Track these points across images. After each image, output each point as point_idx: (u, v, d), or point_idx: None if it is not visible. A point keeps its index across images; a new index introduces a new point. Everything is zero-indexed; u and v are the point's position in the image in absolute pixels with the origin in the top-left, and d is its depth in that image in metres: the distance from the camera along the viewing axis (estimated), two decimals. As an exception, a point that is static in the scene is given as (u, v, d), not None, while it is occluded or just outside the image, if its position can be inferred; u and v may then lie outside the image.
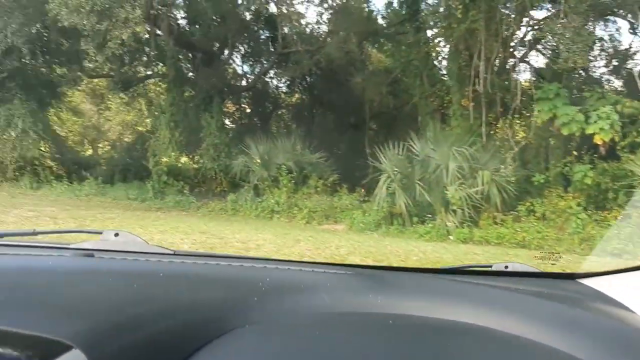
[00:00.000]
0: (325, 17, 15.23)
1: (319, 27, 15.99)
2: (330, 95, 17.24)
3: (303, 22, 15.78)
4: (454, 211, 7.50)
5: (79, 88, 19.34)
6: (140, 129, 22.34)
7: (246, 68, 18.07)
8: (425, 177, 8.44)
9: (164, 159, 13.30)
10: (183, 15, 13.42)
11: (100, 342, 0.63)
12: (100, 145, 24.27)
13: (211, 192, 13.27)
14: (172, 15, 12.45)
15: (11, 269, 0.98)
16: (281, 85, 18.93)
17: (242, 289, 0.95)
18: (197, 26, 13.47)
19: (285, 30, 14.44)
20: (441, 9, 10.50)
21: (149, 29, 9.03)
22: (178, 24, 13.12)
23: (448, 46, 11.79)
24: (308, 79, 17.20)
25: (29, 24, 10.74)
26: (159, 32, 12.68)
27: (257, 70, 17.67)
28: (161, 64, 14.83)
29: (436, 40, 13.00)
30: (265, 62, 17.18)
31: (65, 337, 0.60)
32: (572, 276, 1.31)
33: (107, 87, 19.56)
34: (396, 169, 8.82)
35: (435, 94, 12.31)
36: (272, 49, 15.97)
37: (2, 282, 0.87)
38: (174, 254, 1.30)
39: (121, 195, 12.36)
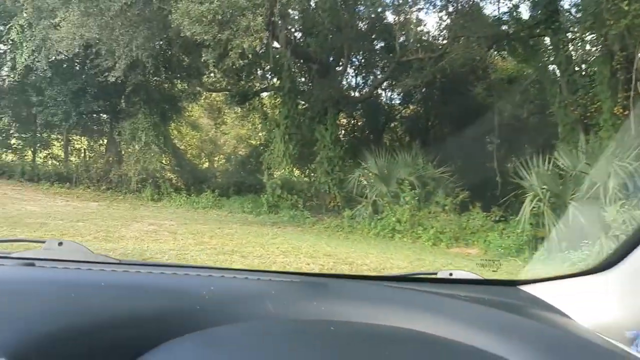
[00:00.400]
0: (447, 22, 14.68)
1: (439, 34, 15.48)
2: (448, 106, 16.56)
3: (422, 29, 15.39)
4: (616, 236, 6.56)
5: (198, 102, 20.56)
6: (253, 142, 23.20)
7: (360, 79, 18.01)
8: (577, 196, 7.53)
9: (278, 173, 13.51)
10: (298, 26, 13.64)
11: (29, 353, 0.62)
12: (215, 158, 25.61)
13: (324, 207, 13.22)
14: (289, 26, 12.66)
15: None
16: (395, 96, 18.63)
17: (185, 298, 0.94)
18: (312, 37, 13.61)
19: (402, 38, 14.14)
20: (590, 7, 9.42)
21: (267, 37, 9.14)
22: (294, 35, 13.35)
23: (596, 48, 10.62)
24: (424, 90, 16.70)
25: (152, 38, 11.37)
26: (276, 44, 13.00)
27: (370, 81, 17.52)
28: (276, 77, 15.18)
29: (580, 43, 11.81)
30: (380, 72, 16.99)
31: None
32: (513, 283, 1.37)
33: (224, 102, 20.57)
34: (544, 187, 7.97)
35: (576, 102, 11.17)
36: (388, 59, 15.71)
37: None
38: (119, 264, 1.30)
39: (236, 209, 12.72)
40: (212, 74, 16.87)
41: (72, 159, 19.60)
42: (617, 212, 6.68)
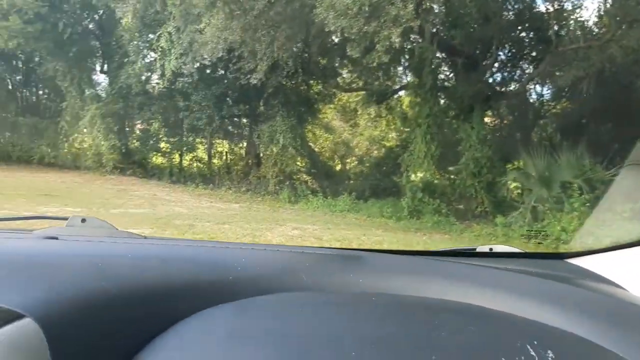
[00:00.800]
0: (608, 6, 13.23)
1: (600, 20, 14.04)
2: (608, 101, 14.93)
3: (582, 14, 14.07)
4: None
5: (332, 104, 20.89)
6: (388, 144, 23.02)
7: (507, 73, 16.95)
8: None
9: (419, 175, 13.14)
10: (442, 18, 13.15)
11: (54, 312, 0.63)
12: (347, 160, 25.86)
13: (470, 212, 12.58)
14: (433, 18, 12.24)
15: None
16: (546, 91, 17.29)
17: (217, 269, 0.92)
18: (457, 29, 13.05)
19: (557, 27, 13.04)
20: None
21: (417, 27, 8.79)
22: (437, 29, 12.90)
23: None
24: (580, 83, 15.24)
25: (294, 37, 11.61)
26: (415, 37, 12.69)
27: (517, 75, 16.42)
28: (416, 73, 14.84)
29: None
30: (530, 65, 15.87)
31: (17, 306, 0.61)
32: (560, 256, 1.34)
33: (359, 102, 20.65)
34: None
35: None
36: (539, 50, 14.59)
37: None
38: (145, 239, 1.30)
39: (375, 213, 12.55)
40: (348, 74, 17.02)
41: (215, 161, 20.96)
42: None
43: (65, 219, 1.37)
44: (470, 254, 1.42)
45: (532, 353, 0.65)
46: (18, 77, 23.18)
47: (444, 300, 0.88)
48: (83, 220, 1.34)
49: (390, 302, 0.87)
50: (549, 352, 0.66)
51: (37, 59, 20.10)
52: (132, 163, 18.94)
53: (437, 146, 13.19)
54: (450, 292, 0.90)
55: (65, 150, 20.34)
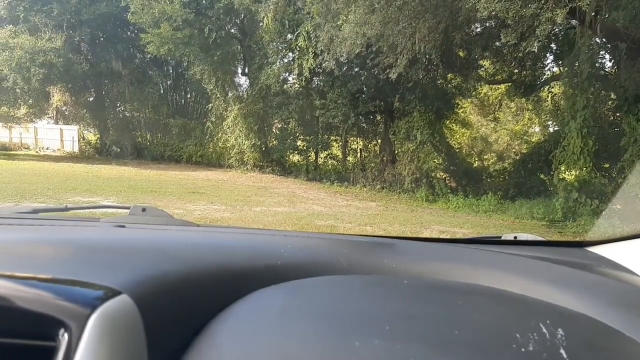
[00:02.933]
0: None
1: None
2: None
3: None
4: None
5: (470, 98, 20.08)
6: (532, 139, 21.64)
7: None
8: None
9: (573, 173, 12.10)
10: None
11: (144, 290, 0.72)
12: (485, 157, 24.78)
13: (634, 215, 11.33)
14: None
15: (51, 237, 1.07)
16: None
17: (266, 255, 1.01)
18: (620, 10, 11.75)
19: None
20: None
21: (577, 7, 7.91)
22: (597, 11, 11.73)
23: None
24: None
25: (437, 28, 11.20)
26: (573, 22, 11.65)
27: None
28: (568, 61, 13.71)
29: None
30: None
31: (114, 285, 0.71)
32: (581, 244, 1.39)
33: (503, 94, 19.63)
34: None
35: None
36: None
37: (45, 247, 0.96)
38: (200, 226, 1.42)
39: (524, 214, 11.74)
40: (491, 65, 16.20)
41: (349, 158, 21.22)
42: None
43: (128, 207, 1.52)
44: (496, 241, 1.48)
45: (544, 330, 0.72)
46: (169, 82, 25.34)
47: (468, 284, 0.96)
48: (144, 210, 1.50)
49: (420, 285, 0.94)
50: (559, 330, 0.73)
51: (185, 64, 21.76)
52: (271, 161, 19.78)
53: (595, 141, 12.04)
54: (475, 277, 0.98)
55: (211, 149, 21.82)
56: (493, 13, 8.08)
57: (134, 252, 0.96)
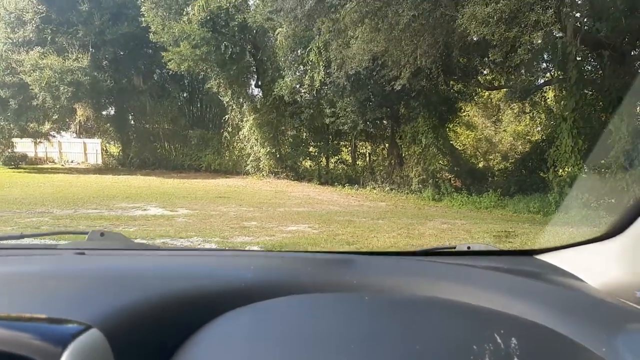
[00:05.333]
0: None
1: None
2: None
3: None
4: None
5: (473, 102, 21.34)
6: (532, 139, 22.80)
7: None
8: None
9: (566, 170, 13.37)
10: (586, 12, 13.23)
11: (112, 322, 0.77)
12: (490, 157, 25.93)
13: (620, 206, 12.51)
14: (576, 13, 12.51)
15: (12, 270, 1.10)
16: None
17: (230, 277, 1.07)
18: (603, 22, 13.08)
19: None
20: None
21: (559, 29, 9.30)
22: (580, 22, 13.06)
23: None
24: None
25: (435, 45, 12.57)
26: (560, 33, 12.94)
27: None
28: (560, 68, 14.98)
29: None
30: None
31: (83, 318, 0.74)
32: (529, 252, 1.45)
33: (501, 99, 20.90)
34: None
35: None
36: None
37: (6, 281, 1.00)
38: (159, 249, 1.50)
39: (522, 208, 13.08)
40: (489, 72, 17.53)
41: (359, 162, 22.60)
42: None
43: (85, 233, 1.51)
44: (451, 252, 1.58)
45: (499, 341, 0.79)
46: (185, 94, 26.84)
47: (427, 297, 1.04)
48: (102, 235, 1.48)
49: (381, 302, 1.01)
50: (513, 339, 0.79)
51: (200, 77, 23.19)
52: (285, 167, 21.18)
53: (585, 140, 13.30)
54: (433, 290, 1.06)
55: (228, 158, 23.29)
56: (482, 36, 9.43)
57: (97, 281, 0.99)
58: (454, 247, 1.58)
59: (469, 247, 1.54)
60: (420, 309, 0.98)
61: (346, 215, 11.13)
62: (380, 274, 1.17)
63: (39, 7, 21.68)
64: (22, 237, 1.55)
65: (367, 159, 22.69)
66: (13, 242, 1.62)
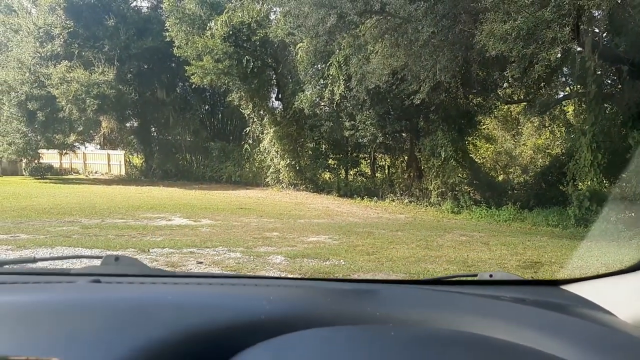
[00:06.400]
0: None
1: None
2: None
3: None
4: None
5: (493, 115, 21.46)
6: (552, 152, 22.80)
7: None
8: None
9: (586, 184, 13.45)
10: (605, 27, 13.39)
11: None
12: (510, 170, 25.94)
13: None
14: (595, 28, 12.69)
15: (21, 300, 1.04)
16: None
17: (248, 309, 1.04)
18: (622, 37, 13.20)
19: None
20: None
21: (577, 46, 9.52)
22: (599, 37, 13.22)
23: None
24: None
25: (454, 59, 12.82)
26: (578, 48, 13.10)
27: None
28: (579, 83, 15.11)
29: None
30: None
31: None
32: (555, 283, 1.40)
33: (521, 112, 21.00)
34: None
35: None
36: None
37: (16, 314, 0.94)
38: (175, 276, 1.47)
39: (540, 222, 13.19)
40: (509, 86, 17.70)
41: (378, 175, 22.83)
42: None
43: (99, 257, 1.46)
44: (473, 281, 1.54)
45: None
46: (206, 107, 27.41)
47: (452, 332, 1.01)
48: (117, 259, 1.44)
49: (405, 336, 0.98)
50: None
51: (222, 90, 23.69)
52: (304, 179, 21.49)
53: (604, 154, 13.38)
54: (458, 323, 1.03)
55: (248, 169, 23.71)
56: (500, 52, 9.66)
57: (114, 315, 0.95)
58: (476, 275, 1.53)
59: (491, 276, 1.48)
60: (446, 343, 0.95)
61: (365, 227, 11.34)
62: (404, 305, 1.15)
63: (67, 22, 22.43)
64: (35, 261, 1.51)
65: (386, 171, 22.90)
66: (27, 266, 1.55)
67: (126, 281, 1.29)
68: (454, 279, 1.65)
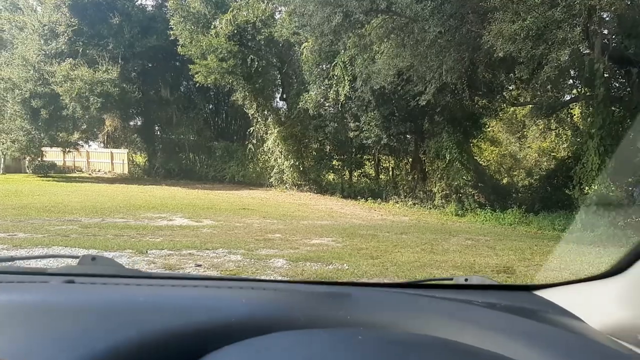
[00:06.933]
0: None
1: None
2: None
3: None
4: None
5: (498, 118, 21.24)
6: (558, 155, 22.55)
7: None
8: None
9: (593, 188, 13.20)
10: (614, 29, 13.15)
11: None
12: (515, 173, 25.70)
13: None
14: (604, 30, 12.45)
15: None
16: None
17: (221, 310, 1.04)
18: (632, 39, 12.96)
19: None
20: None
21: (587, 47, 9.29)
22: (608, 39, 12.97)
23: None
24: None
25: (461, 60, 12.59)
26: (587, 50, 12.86)
27: None
28: (587, 85, 14.86)
29: None
30: None
31: None
32: (527, 288, 1.42)
33: (527, 115, 20.76)
34: None
35: None
36: None
37: None
38: (150, 277, 1.46)
39: (546, 226, 12.94)
40: (516, 88, 17.46)
41: (382, 177, 22.61)
42: None
43: (76, 257, 1.47)
44: (448, 285, 1.56)
45: None
46: (210, 107, 27.24)
47: (422, 336, 1.01)
48: (93, 259, 1.45)
49: (375, 339, 0.98)
50: None
51: (226, 89, 23.53)
52: (308, 180, 21.30)
53: (612, 158, 13.14)
54: (429, 327, 1.03)
55: (251, 170, 23.52)
56: (508, 53, 9.43)
57: (85, 316, 0.94)
58: (451, 279, 1.57)
59: (466, 280, 1.52)
60: (414, 348, 0.95)
61: (369, 229, 11.14)
62: (376, 308, 1.15)
63: (72, 20, 22.31)
64: (12, 259, 1.51)
65: (390, 173, 22.68)
66: (3, 264, 1.56)
67: (100, 282, 1.28)
68: (430, 282, 1.63)
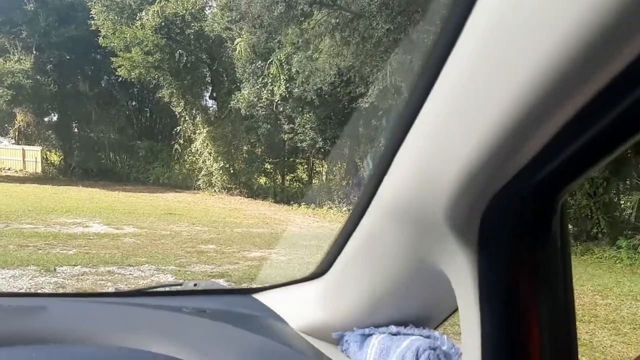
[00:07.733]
0: None
1: None
2: None
3: None
4: None
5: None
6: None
7: None
8: None
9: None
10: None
11: None
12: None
13: (585, 234, 12.35)
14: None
15: None
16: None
17: None
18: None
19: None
20: None
21: None
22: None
23: None
24: None
25: (407, 62, 12.06)
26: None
27: None
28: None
29: None
30: None
31: None
32: (248, 291, 1.41)
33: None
34: None
35: None
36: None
37: None
38: None
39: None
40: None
41: (315, 181, 21.86)
42: None
43: None
44: (176, 292, 1.50)
45: None
46: (133, 103, 25.49)
47: (107, 347, 0.97)
48: None
49: (57, 355, 0.94)
50: None
51: (151, 85, 22.04)
52: (239, 183, 20.18)
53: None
54: (122, 338, 0.99)
55: (177, 171, 22.05)
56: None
57: None
58: (181, 284, 1.51)
59: (195, 285, 1.48)
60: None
61: (312, 239, 10.34)
62: (73, 321, 1.06)
63: (-21, 3, 20.05)
64: None
65: (324, 178, 21.97)
66: None
67: None
68: (158, 289, 1.57)
